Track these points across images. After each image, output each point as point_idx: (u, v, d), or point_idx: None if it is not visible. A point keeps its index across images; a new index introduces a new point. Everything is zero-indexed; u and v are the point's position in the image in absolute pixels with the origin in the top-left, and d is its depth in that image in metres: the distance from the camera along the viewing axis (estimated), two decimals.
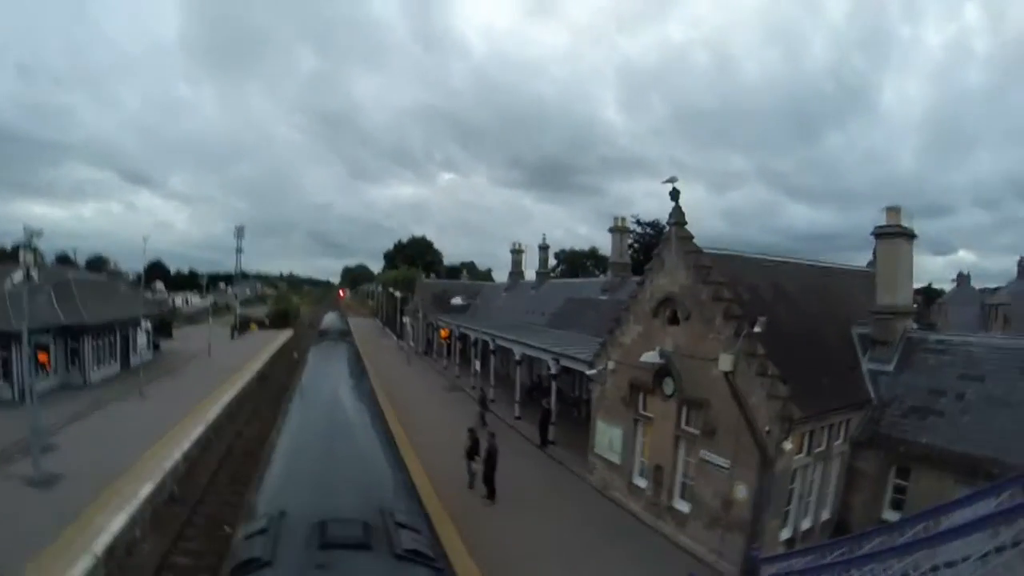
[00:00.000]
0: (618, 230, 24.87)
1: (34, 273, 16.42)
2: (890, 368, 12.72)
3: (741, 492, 11.31)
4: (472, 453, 14.72)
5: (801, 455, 11.49)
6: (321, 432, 9.32)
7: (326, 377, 15.22)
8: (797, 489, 11.79)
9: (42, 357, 16.94)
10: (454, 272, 67.99)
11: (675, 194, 12.17)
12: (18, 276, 15.59)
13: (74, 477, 13.83)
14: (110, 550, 10.83)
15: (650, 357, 12.30)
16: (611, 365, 14.58)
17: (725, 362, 10.69)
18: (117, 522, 11.62)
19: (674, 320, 12.67)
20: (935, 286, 50.67)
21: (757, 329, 10.54)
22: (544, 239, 34.39)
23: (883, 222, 12.86)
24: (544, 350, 19.14)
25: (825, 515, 12.61)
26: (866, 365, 12.96)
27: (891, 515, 11.75)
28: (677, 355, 12.38)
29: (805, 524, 12.21)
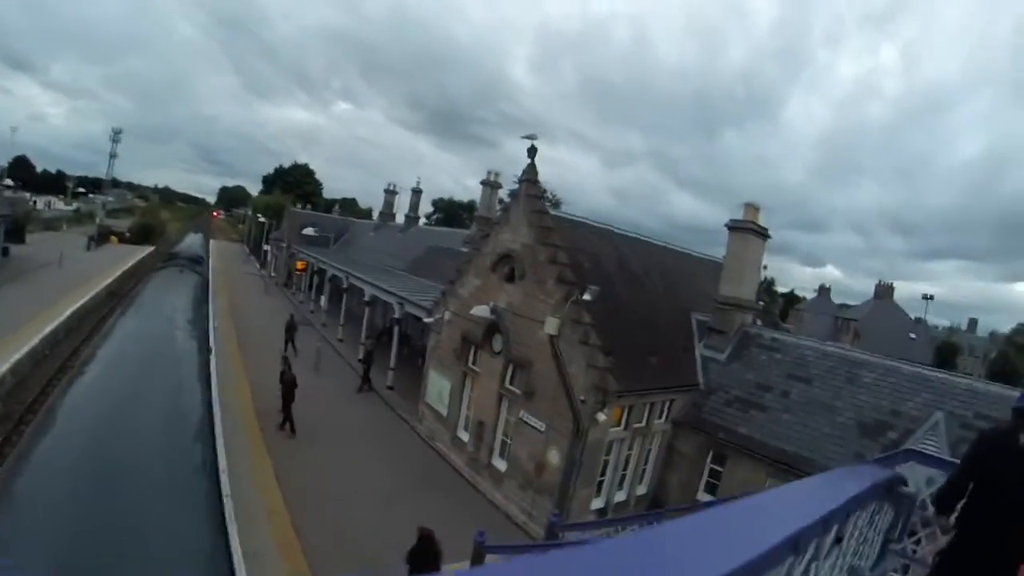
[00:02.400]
0: (490, 184, 24.31)
1: None
2: (722, 357, 13.18)
3: (554, 457, 11.39)
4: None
5: (618, 428, 11.68)
6: (105, 427, 7.24)
7: (153, 320, 12.92)
8: (612, 461, 12.02)
9: None
10: (333, 206, 65.48)
11: (532, 151, 11.86)
12: None
13: None
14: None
15: (480, 311, 12.11)
16: (447, 316, 14.36)
17: (551, 325, 10.60)
18: None
19: (511, 278, 12.47)
20: (799, 293, 54.28)
21: (586, 297, 10.46)
22: (418, 183, 33.37)
23: (741, 216, 13.14)
24: (391, 293, 18.76)
25: (641, 490, 13.02)
26: (699, 351, 13.38)
27: (704, 497, 12.31)
28: (509, 313, 12.22)
29: (619, 496, 12.54)
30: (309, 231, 30.49)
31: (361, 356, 20.73)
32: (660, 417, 12.46)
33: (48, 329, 18.67)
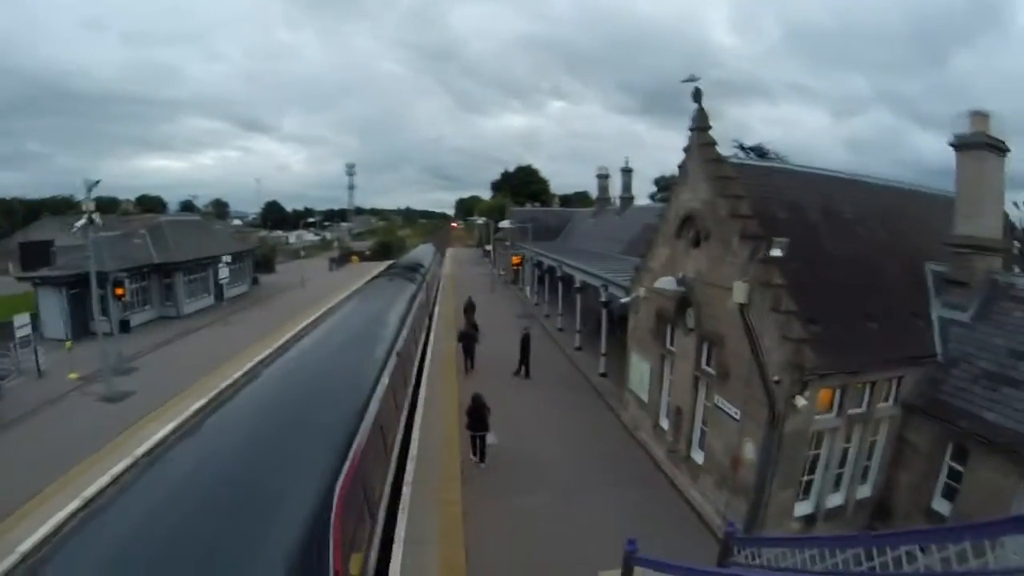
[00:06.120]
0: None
1: (96, 219, 17.04)
2: (966, 317, 10.02)
3: (749, 451, 9.52)
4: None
5: (828, 415, 9.41)
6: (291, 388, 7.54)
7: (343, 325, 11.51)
8: (823, 456, 9.75)
9: (118, 291, 18.14)
10: (565, 201, 67.34)
11: (697, 95, 10.20)
12: (81, 223, 16.42)
13: (143, 394, 15.44)
14: (150, 453, 11.89)
15: (665, 283, 10.75)
16: (643, 292, 13.19)
17: (739, 292, 8.86)
18: (163, 431, 13.03)
19: (697, 242, 10.93)
20: None
21: (775, 252, 8.54)
22: (626, 162, 32.37)
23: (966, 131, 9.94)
24: (595, 275, 18.29)
25: (863, 492, 10.42)
26: (937, 311, 10.32)
27: (942, 505, 9.37)
28: (698, 283, 10.67)
29: (834, 500, 10.13)
30: (505, 224, 31.31)
31: (578, 344, 21.39)
32: (886, 399, 9.82)
33: (283, 340, 20.51)
